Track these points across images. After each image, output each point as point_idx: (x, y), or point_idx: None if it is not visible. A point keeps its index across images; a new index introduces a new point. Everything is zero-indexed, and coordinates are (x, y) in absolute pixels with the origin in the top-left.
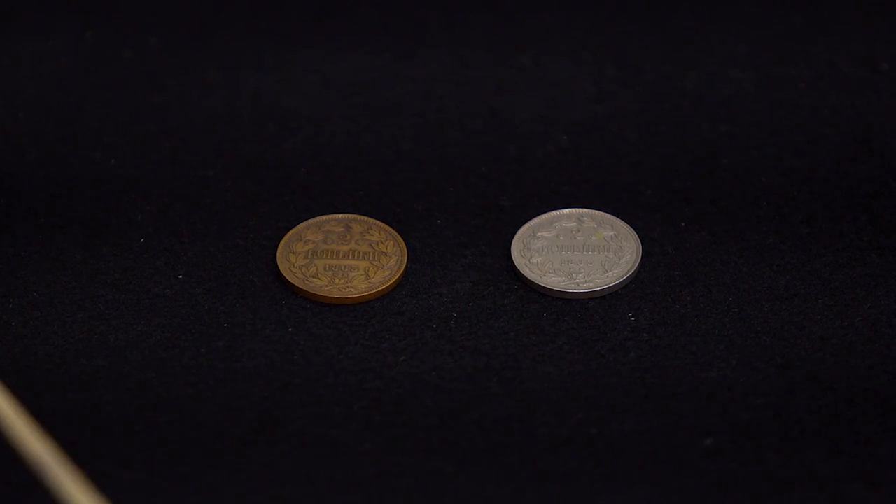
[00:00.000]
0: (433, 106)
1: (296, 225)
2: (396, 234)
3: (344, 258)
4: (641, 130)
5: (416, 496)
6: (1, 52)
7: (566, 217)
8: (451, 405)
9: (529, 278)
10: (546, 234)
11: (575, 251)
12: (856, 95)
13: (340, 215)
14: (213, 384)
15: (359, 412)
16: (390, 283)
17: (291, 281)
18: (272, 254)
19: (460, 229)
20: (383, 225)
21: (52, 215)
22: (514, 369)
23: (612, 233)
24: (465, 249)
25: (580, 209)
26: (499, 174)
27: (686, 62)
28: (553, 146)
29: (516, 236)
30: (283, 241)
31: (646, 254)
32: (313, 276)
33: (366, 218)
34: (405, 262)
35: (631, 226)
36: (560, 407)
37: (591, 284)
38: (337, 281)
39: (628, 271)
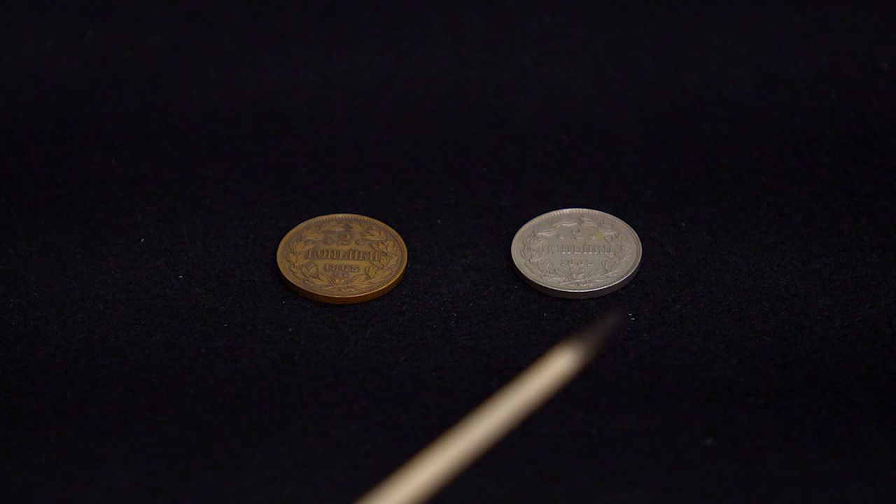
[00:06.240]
0: (433, 106)
1: (296, 225)
2: (396, 234)
3: (344, 258)
4: (641, 130)
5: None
6: (1, 52)
7: (566, 217)
8: (451, 405)
9: (529, 278)
10: (546, 234)
11: (575, 251)
12: (856, 95)
13: (340, 215)
14: (213, 384)
15: (359, 412)
16: (390, 283)
17: (291, 281)
18: (272, 254)
19: (460, 229)
20: (383, 225)
21: (52, 215)
22: (514, 369)
23: (612, 233)
24: (465, 249)
25: (580, 209)
26: (499, 174)
27: (686, 62)
28: (553, 146)
29: (516, 236)
30: (283, 241)
31: (646, 254)
32: (313, 276)
33: (366, 218)
34: (405, 262)
35: (631, 226)
36: (560, 407)
37: (591, 284)
38: (337, 281)
39: (628, 271)
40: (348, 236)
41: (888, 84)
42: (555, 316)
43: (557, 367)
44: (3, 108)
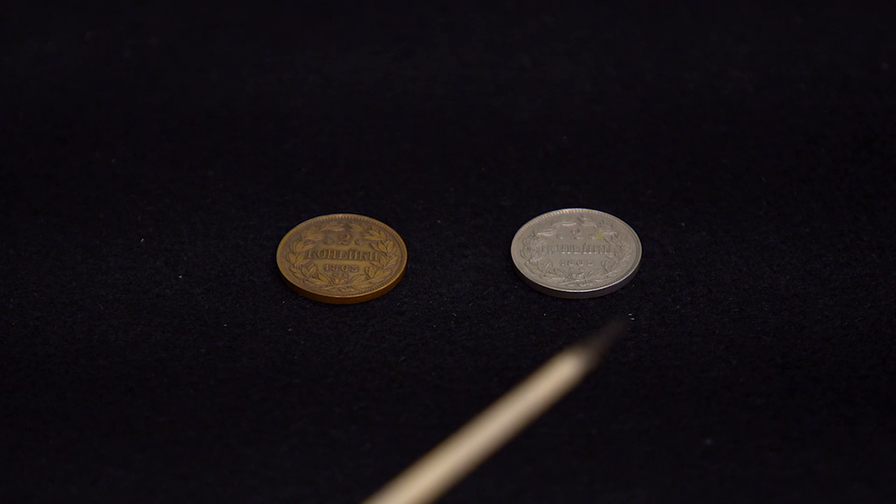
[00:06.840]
0: (433, 106)
1: (296, 225)
2: (396, 234)
3: (344, 258)
4: (641, 130)
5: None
6: (1, 52)
7: (566, 217)
8: (451, 405)
9: (529, 278)
10: (546, 234)
11: (575, 251)
12: (856, 95)
13: (340, 215)
14: (213, 384)
15: (359, 412)
16: (390, 283)
17: (291, 281)
18: (272, 254)
19: (460, 229)
20: (383, 225)
21: (52, 215)
22: (514, 369)
23: (612, 233)
24: (465, 249)
25: (580, 209)
26: (499, 174)
27: (686, 62)
28: (553, 146)
29: (516, 236)
30: (283, 241)
31: (646, 254)
32: (313, 276)
33: (366, 218)
34: (405, 262)
35: (631, 226)
36: (560, 407)
37: (591, 284)
38: (337, 281)
39: (628, 271)
40: (348, 236)
41: (888, 84)
42: (555, 316)
43: (562, 373)
44: (3, 108)
